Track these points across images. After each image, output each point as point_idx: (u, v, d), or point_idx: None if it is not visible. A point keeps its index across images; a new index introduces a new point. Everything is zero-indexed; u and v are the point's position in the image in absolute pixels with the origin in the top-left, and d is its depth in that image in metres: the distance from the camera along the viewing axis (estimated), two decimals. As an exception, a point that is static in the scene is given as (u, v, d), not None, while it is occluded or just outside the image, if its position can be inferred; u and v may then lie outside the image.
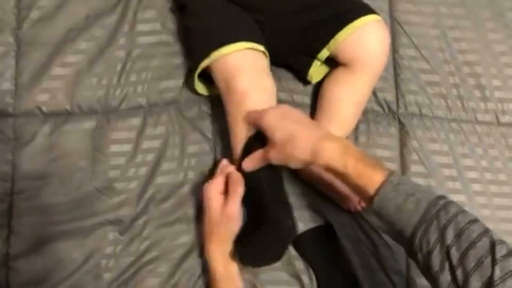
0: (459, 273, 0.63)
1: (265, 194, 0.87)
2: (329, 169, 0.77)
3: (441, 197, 0.70)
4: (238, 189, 0.85)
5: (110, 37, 1.00)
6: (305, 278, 0.93)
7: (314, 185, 0.97)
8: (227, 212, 0.84)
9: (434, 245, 0.66)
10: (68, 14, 1.01)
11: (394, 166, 0.99)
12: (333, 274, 0.93)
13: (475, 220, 0.67)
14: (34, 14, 1.00)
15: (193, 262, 0.93)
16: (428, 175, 0.99)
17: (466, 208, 0.95)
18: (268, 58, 0.93)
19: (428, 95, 1.04)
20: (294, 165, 0.82)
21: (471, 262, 0.63)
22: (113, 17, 1.01)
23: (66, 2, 1.01)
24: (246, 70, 0.89)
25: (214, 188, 0.86)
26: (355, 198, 0.95)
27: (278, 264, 0.92)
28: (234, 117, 0.89)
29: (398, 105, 1.03)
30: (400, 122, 1.02)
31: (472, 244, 0.64)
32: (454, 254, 0.64)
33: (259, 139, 0.85)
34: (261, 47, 0.91)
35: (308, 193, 0.98)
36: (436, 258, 0.66)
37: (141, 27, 1.02)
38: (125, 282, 0.91)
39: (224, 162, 0.90)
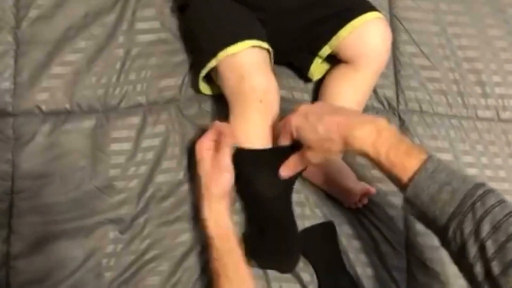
0: (494, 265, 0.62)
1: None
2: (364, 156, 0.75)
3: (480, 185, 0.67)
4: (228, 141, 0.85)
5: (109, 36, 1.00)
6: (305, 276, 0.93)
7: (315, 182, 0.97)
8: (218, 164, 0.85)
9: (468, 237, 0.64)
10: (67, 12, 1.01)
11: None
12: (334, 271, 0.93)
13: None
14: (33, 13, 1.00)
15: (194, 261, 0.93)
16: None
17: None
18: (272, 56, 0.93)
19: (428, 91, 1.03)
20: (334, 157, 0.82)
21: (509, 255, 0.61)
22: (112, 15, 1.01)
23: (65, 0, 1.01)
24: (255, 69, 0.89)
25: (205, 142, 0.87)
26: (356, 195, 0.95)
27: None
28: (246, 116, 0.89)
29: (398, 102, 1.03)
30: (400, 118, 1.02)
31: (510, 237, 0.62)
32: (490, 247, 0.63)
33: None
34: (266, 45, 0.91)
35: (309, 190, 0.97)
36: (471, 251, 0.64)
37: (140, 25, 1.01)
38: (126, 281, 0.91)
39: (217, 122, 0.89)
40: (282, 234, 0.89)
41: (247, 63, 0.88)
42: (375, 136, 0.73)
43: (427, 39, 1.05)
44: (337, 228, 0.96)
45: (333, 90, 0.96)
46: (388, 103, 1.03)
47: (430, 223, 0.70)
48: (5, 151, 0.94)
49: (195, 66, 0.98)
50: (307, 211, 0.96)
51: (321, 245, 0.94)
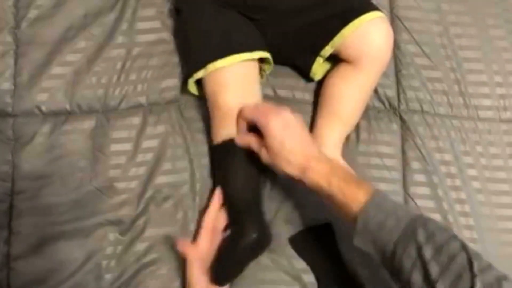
0: (439, 285, 0.65)
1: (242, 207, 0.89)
2: (315, 188, 0.80)
3: (421, 215, 0.73)
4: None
5: (109, 36, 1.00)
6: (306, 277, 0.93)
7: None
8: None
9: (414, 260, 0.67)
10: (66, 13, 1.00)
11: (395, 162, 0.99)
12: (333, 273, 0.93)
13: (453, 236, 0.69)
14: (33, 13, 1.00)
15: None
16: (429, 172, 0.99)
17: (466, 206, 0.97)
18: (271, 59, 0.94)
19: (429, 91, 1.03)
20: (280, 173, 0.84)
21: (450, 277, 0.64)
22: (111, 15, 1.01)
23: (65, 0, 1.01)
24: (233, 86, 0.90)
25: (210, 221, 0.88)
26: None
27: (278, 264, 0.92)
28: (216, 127, 0.91)
29: (399, 101, 1.02)
30: (401, 118, 1.02)
31: (451, 259, 0.65)
32: (434, 270, 0.66)
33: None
34: (257, 54, 0.91)
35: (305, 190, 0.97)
36: (416, 274, 0.67)
37: (140, 25, 1.01)
38: (126, 282, 0.91)
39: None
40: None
41: (230, 78, 0.90)
42: (329, 170, 0.79)
43: (428, 39, 1.05)
44: (335, 227, 0.95)
45: (334, 89, 0.96)
46: (389, 103, 1.02)
47: (379, 251, 0.73)
48: (5, 152, 0.94)
49: (185, 69, 0.98)
50: (307, 211, 0.96)
51: (319, 247, 0.94)
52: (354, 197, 0.75)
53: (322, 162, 0.80)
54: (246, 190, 0.90)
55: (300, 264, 0.93)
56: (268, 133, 0.82)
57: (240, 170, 0.89)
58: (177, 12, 0.99)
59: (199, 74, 0.90)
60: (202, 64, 0.90)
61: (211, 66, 0.89)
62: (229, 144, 0.89)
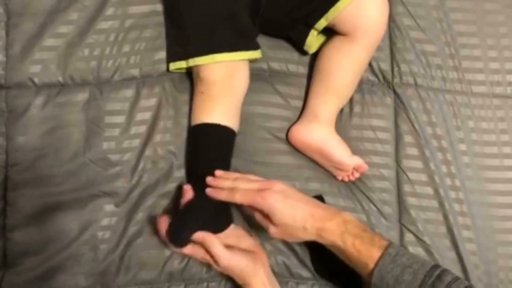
0: None
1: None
2: (330, 246, 0.81)
3: (436, 266, 0.75)
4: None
5: (101, 7, 0.98)
6: (298, 248, 0.95)
7: (308, 154, 0.98)
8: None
9: None
10: (58, -17, 0.99)
11: (388, 136, 1.00)
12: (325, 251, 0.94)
13: (469, 287, 0.72)
14: (24, -16, 0.98)
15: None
16: (421, 146, 0.99)
17: (456, 180, 0.98)
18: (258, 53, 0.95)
19: (423, 65, 1.02)
20: (294, 241, 0.86)
21: None
22: (104, -14, 0.99)
23: (56, -29, 0.99)
24: (217, 82, 0.91)
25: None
26: (349, 168, 0.95)
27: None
28: (196, 106, 0.93)
29: (393, 75, 1.02)
30: (395, 92, 1.02)
31: None
32: None
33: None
34: (239, 55, 0.91)
35: (301, 163, 0.98)
36: None
37: (133, -4, 1.00)
38: (121, 254, 0.92)
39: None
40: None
41: (208, 75, 0.91)
42: (343, 228, 0.79)
43: (424, 12, 1.04)
44: (330, 201, 0.96)
45: (329, 62, 0.96)
46: (383, 76, 1.02)
47: None
48: (-1, 124, 0.95)
49: (168, 53, 0.98)
50: (298, 185, 0.97)
51: None
52: (368, 254, 0.77)
53: (334, 220, 0.80)
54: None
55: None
56: (273, 212, 0.81)
57: (211, 153, 0.91)
58: None
59: (179, 65, 0.93)
60: (182, 57, 0.92)
61: (191, 61, 0.91)
62: (205, 126, 0.90)
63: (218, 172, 0.87)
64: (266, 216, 0.82)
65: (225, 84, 0.91)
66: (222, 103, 0.91)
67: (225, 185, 0.85)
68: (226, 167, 0.91)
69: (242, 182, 0.85)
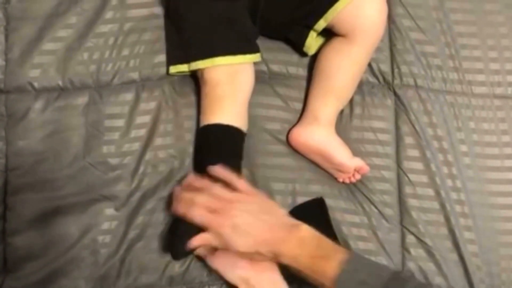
0: None
1: None
2: (289, 267, 0.80)
3: (395, 277, 0.73)
4: None
5: (100, 11, 0.98)
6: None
7: (308, 156, 0.97)
8: None
9: None
10: (57, -14, 0.99)
11: (388, 137, 1.00)
12: None
13: None
14: (23, -12, 0.98)
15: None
16: (422, 147, 0.99)
17: (457, 181, 0.97)
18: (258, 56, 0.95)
19: (424, 66, 1.02)
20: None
21: None
22: (103, -11, 0.99)
23: (55, -25, 0.99)
24: (221, 82, 0.91)
25: None
26: (350, 170, 0.95)
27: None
28: (203, 107, 0.93)
29: (393, 76, 1.02)
30: (395, 93, 1.01)
31: None
32: None
33: None
34: (238, 58, 0.91)
35: (302, 165, 0.98)
36: None
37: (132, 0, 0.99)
38: (122, 257, 0.92)
39: None
40: None
41: (212, 78, 0.91)
42: (298, 250, 0.78)
43: (423, 13, 1.03)
44: (331, 203, 0.96)
45: (328, 64, 0.96)
46: (383, 78, 1.02)
47: None
48: (-1, 128, 0.95)
49: (168, 56, 0.98)
50: (298, 187, 0.97)
51: (312, 222, 0.94)
52: (324, 275, 0.75)
53: (288, 243, 0.78)
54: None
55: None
56: (223, 242, 0.80)
57: (219, 154, 0.91)
58: None
59: (181, 68, 0.93)
60: (183, 60, 0.92)
61: (193, 65, 0.91)
62: (213, 126, 0.90)
63: (190, 178, 0.87)
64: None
65: (229, 84, 0.91)
66: (228, 104, 0.91)
67: (185, 197, 0.83)
68: (235, 167, 0.90)
69: (202, 196, 0.82)
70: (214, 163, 0.87)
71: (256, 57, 0.95)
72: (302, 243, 0.78)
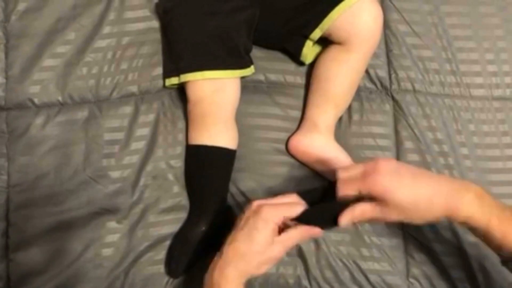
0: None
1: None
2: (466, 226, 0.71)
3: None
4: (294, 237, 0.74)
5: (98, 26, 0.99)
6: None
7: (309, 164, 0.97)
8: (270, 253, 0.73)
9: None
10: (55, 4, 1.00)
11: (388, 142, 1.00)
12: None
13: None
14: (21, 6, 1.00)
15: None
16: (422, 151, 0.99)
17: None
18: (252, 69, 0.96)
19: (421, 70, 1.02)
20: (417, 223, 0.72)
21: None
22: (100, 5, 1.00)
23: (53, -8, 1.01)
24: (203, 99, 0.91)
25: (277, 214, 0.73)
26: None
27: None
28: (190, 126, 0.94)
29: (391, 82, 1.02)
30: (393, 98, 1.02)
31: None
32: None
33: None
34: (228, 73, 0.92)
35: (302, 174, 0.98)
36: None
37: (129, 14, 1.01)
38: (125, 270, 0.92)
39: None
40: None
41: (198, 93, 0.92)
42: (480, 202, 0.69)
43: (419, 18, 1.04)
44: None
45: (326, 71, 0.96)
46: (380, 83, 1.02)
47: None
48: (0, 145, 0.95)
49: (163, 68, 0.99)
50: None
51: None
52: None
53: (465, 197, 0.69)
54: (212, 192, 0.93)
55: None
56: (383, 191, 0.68)
57: (206, 176, 0.93)
58: (163, 11, 0.97)
59: (172, 81, 0.94)
60: (174, 73, 0.93)
61: (182, 77, 0.92)
62: (198, 148, 0.92)
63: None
64: (379, 203, 0.69)
65: (210, 102, 0.91)
66: (211, 122, 0.92)
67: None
68: (221, 188, 0.93)
69: (342, 171, 0.73)
70: (202, 183, 0.92)
71: (246, 71, 0.95)
72: (483, 196, 0.69)
